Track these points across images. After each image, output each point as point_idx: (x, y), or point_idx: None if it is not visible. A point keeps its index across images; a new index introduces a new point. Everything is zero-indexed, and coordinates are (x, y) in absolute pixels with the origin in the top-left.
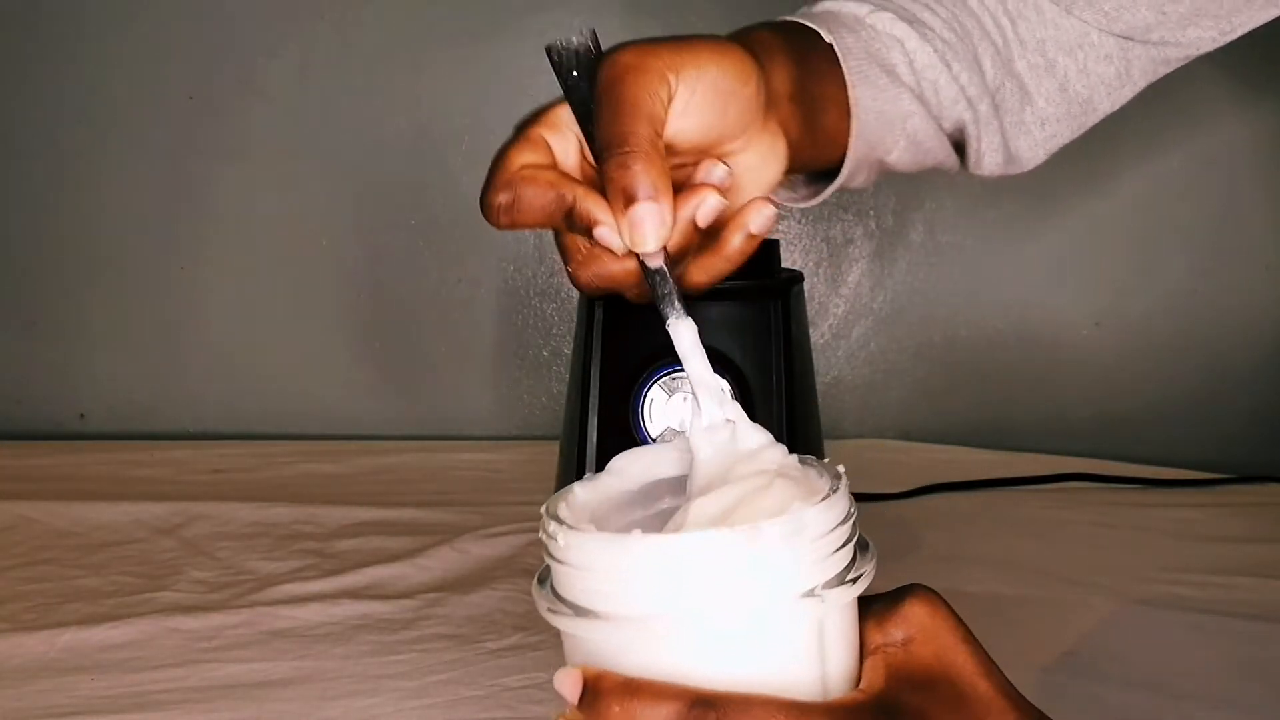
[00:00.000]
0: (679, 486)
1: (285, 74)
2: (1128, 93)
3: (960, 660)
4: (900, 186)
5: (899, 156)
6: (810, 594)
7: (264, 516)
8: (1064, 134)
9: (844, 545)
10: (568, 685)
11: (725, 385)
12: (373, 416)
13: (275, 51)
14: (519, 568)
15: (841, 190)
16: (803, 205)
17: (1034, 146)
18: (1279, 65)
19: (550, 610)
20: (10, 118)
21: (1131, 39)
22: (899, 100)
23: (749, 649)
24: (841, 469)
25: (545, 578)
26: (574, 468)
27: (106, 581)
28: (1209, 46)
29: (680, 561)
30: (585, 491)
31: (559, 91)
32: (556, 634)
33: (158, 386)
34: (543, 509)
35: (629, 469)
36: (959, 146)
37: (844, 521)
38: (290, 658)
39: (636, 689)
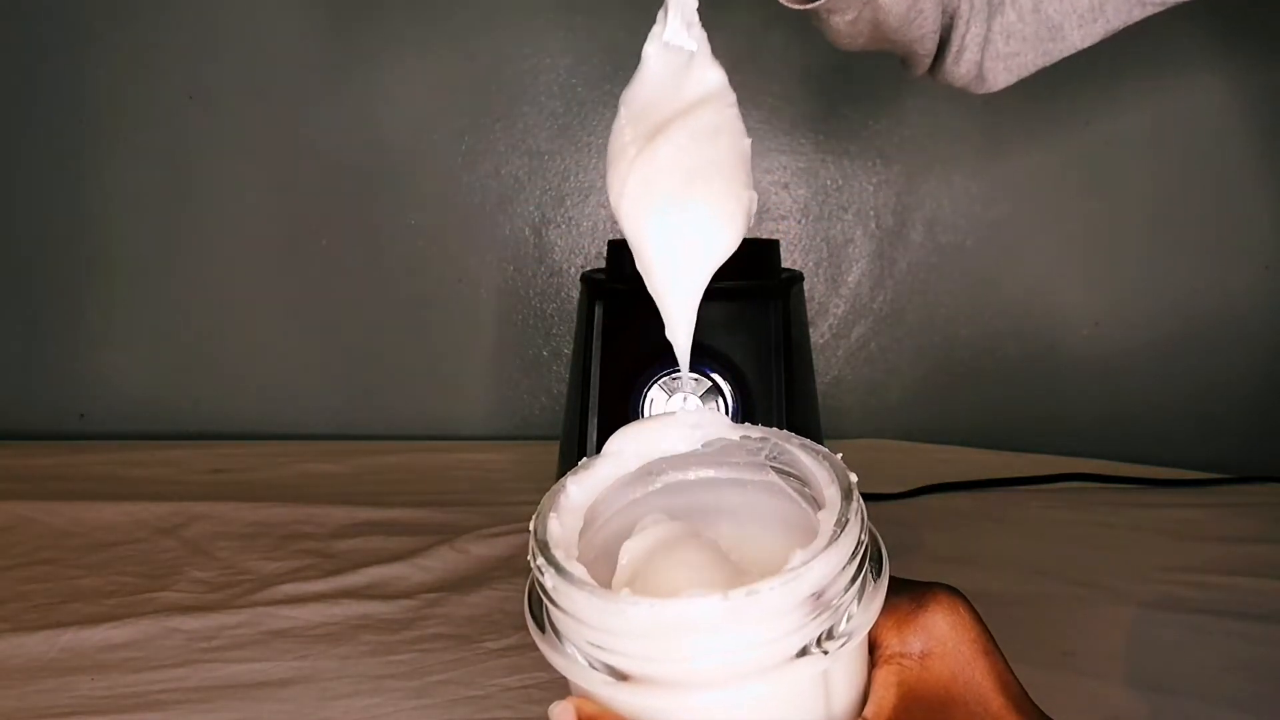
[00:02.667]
0: (679, 462)
1: (285, 74)
2: (1099, 29)
3: (978, 677)
4: (900, 186)
5: (849, 24)
6: (815, 648)
7: (264, 516)
8: (1028, 55)
9: (852, 584)
10: None
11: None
12: (373, 416)
13: (275, 51)
14: (519, 568)
15: (827, 17)
16: (793, 5)
17: (995, 59)
18: (1277, 68)
19: (547, 646)
20: (10, 118)
21: None
22: None
23: (749, 705)
24: (854, 478)
25: (538, 607)
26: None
27: (106, 581)
28: None
29: (674, 626)
30: (578, 486)
31: (556, 92)
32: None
33: (158, 386)
34: (531, 525)
35: (626, 449)
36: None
37: (851, 559)
38: (290, 658)
39: None
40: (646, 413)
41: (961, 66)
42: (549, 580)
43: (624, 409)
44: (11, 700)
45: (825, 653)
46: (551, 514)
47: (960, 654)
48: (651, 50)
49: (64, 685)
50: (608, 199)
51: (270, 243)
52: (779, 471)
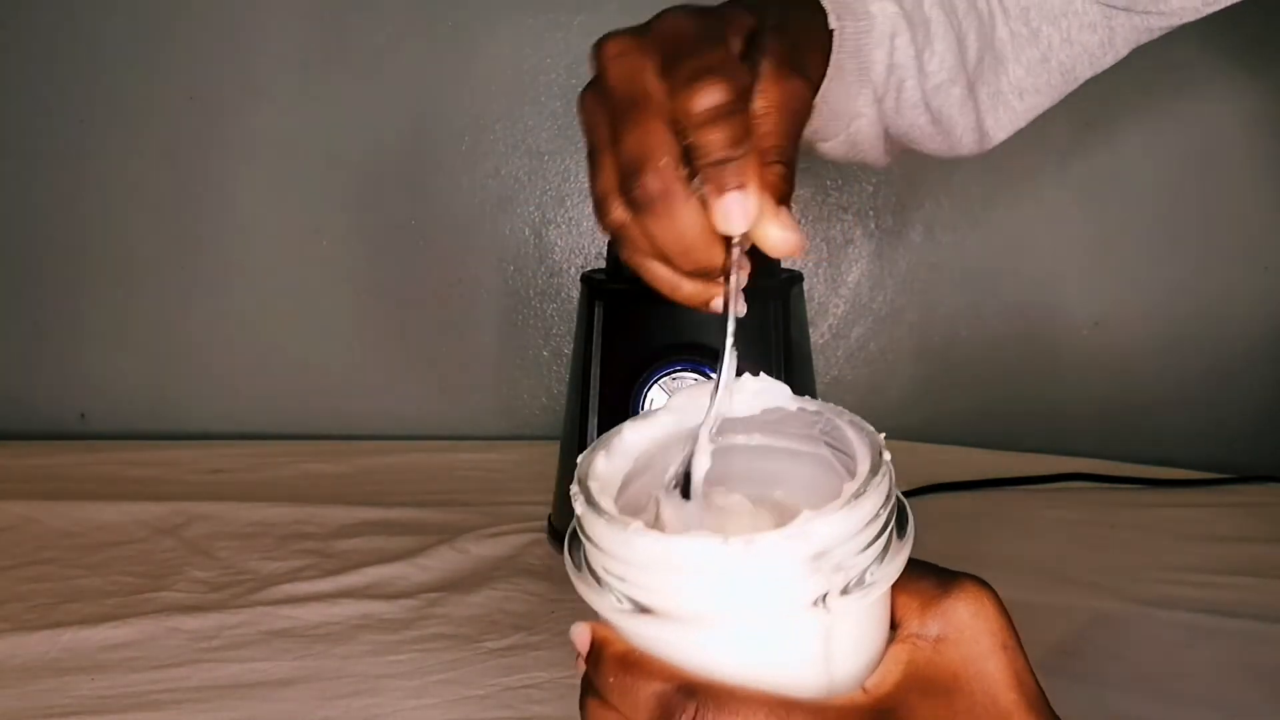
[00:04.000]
0: (739, 425)
1: (285, 74)
2: (1109, 60)
3: (990, 670)
4: (900, 186)
5: (833, 148)
6: (815, 604)
7: (264, 516)
8: (1042, 104)
9: (867, 547)
10: (579, 639)
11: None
12: (373, 416)
13: (275, 51)
14: (519, 568)
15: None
16: None
17: (1015, 119)
18: (1277, 68)
19: (574, 568)
20: (10, 118)
21: (1115, 7)
22: (856, 100)
23: (742, 650)
24: (887, 456)
25: (574, 539)
26: (574, 468)
27: (106, 581)
28: (1192, 16)
29: (677, 563)
30: (635, 432)
31: (556, 92)
32: (556, 635)
33: (158, 386)
34: (580, 457)
35: (689, 406)
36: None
37: (871, 522)
38: (290, 658)
39: (631, 664)
40: None
41: (963, 150)
42: (579, 507)
43: (624, 409)
44: (11, 700)
45: (827, 610)
46: (600, 451)
47: (977, 645)
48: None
49: (64, 685)
50: None
51: (270, 243)
52: (830, 446)
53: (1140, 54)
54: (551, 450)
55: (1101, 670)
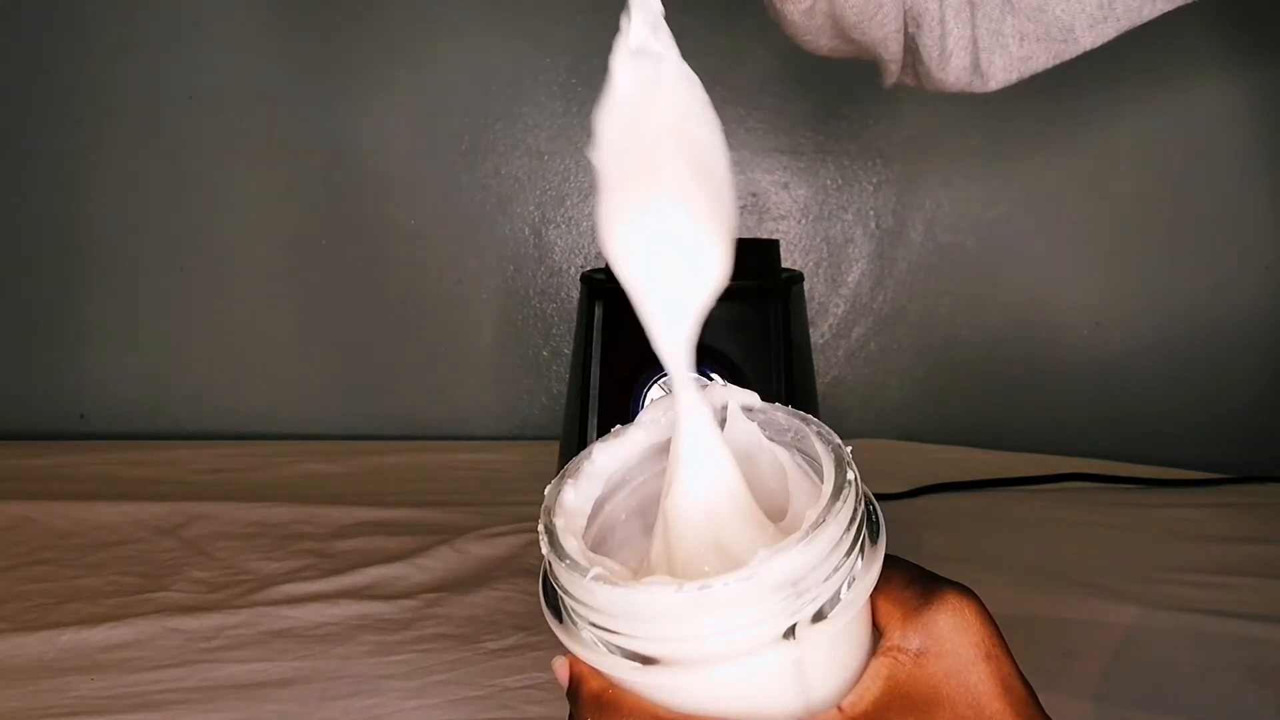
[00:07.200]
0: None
1: (285, 74)
2: (1109, 30)
3: (974, 680)
4: (900, 186)
5: None
6: (784, 637)
7: (264, 516)
8: (1040, 58)
9: (834, 573)
10: (559, 674)
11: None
12: (373, 416)
13: (275, 51)
14: (519, 568)
15: (782, 6)
16: None
17: (1008, 66)
18: (1277, 68)
19: (547, 606)
20: (10, 118)
21: None
22: None
23: (713, 686)
24: (851, 475)
25: (546, 575)
26: None
27: (106, 581)
28: None
29: (632, 610)
30: (605, 454)
31: (556, 92)
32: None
33: (158, 386)
34: (548, 488)
35: (662, 419)
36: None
37: (834, 549)
38: (290, 658)
39: (606, 703)
40: None
41: (950, 74)
42: (544, 547)
43: (624, 409)
44: (11, 700)
45: (796, 640)
46: (569, 480)
47: (959, 657)
48: (619, 63)
49: (64, 685)
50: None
51: (270, 243)
52: (801, 452)
53: (1140, 51)
54: (551, 450)
55: (1100, 671)
